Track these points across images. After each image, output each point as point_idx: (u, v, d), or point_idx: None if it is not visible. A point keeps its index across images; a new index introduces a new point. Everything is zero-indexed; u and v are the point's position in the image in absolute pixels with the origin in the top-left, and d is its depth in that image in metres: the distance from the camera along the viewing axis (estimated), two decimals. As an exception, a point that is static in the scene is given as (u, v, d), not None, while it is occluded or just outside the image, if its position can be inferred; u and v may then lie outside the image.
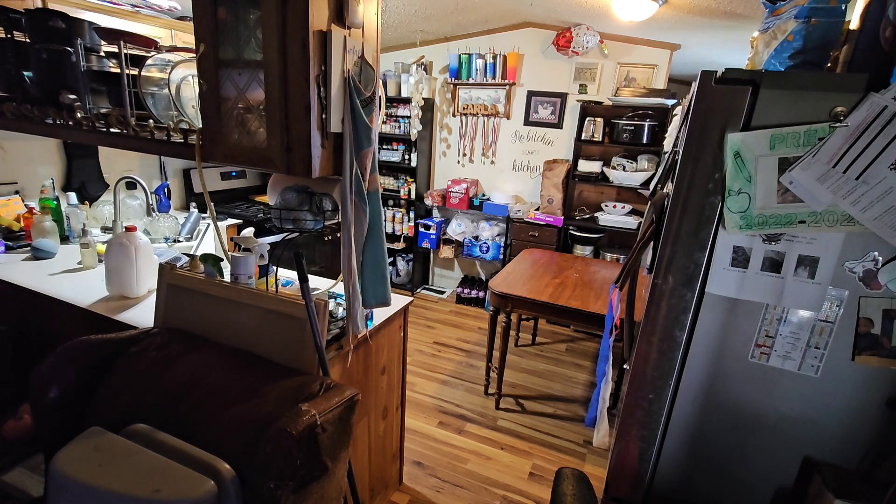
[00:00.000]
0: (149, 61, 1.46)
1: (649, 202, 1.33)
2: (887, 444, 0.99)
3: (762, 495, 1.11)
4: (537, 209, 3.84)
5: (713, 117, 0.95)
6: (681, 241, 1.03)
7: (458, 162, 4.35)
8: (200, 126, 1.30)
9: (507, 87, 3.92)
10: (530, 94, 3.89)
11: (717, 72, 0.94)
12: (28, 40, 1.62)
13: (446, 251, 4.27)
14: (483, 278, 4.52)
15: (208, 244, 2.26)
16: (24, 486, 1.60)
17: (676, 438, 1.16)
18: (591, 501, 1.13)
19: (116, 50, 1.44)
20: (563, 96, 3.80)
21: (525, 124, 3.99)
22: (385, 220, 4.07)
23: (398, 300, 1.76)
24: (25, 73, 1.68)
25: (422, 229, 4.28)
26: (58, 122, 1.63)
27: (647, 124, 3.35)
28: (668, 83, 3.60)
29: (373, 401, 1.77)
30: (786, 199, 0.94)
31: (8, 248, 2.16)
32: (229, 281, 1.43)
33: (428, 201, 4.26)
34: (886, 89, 0.84)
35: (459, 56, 3.97)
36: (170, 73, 1.41)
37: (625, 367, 1.27)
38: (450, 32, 3.94)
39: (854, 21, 1.02)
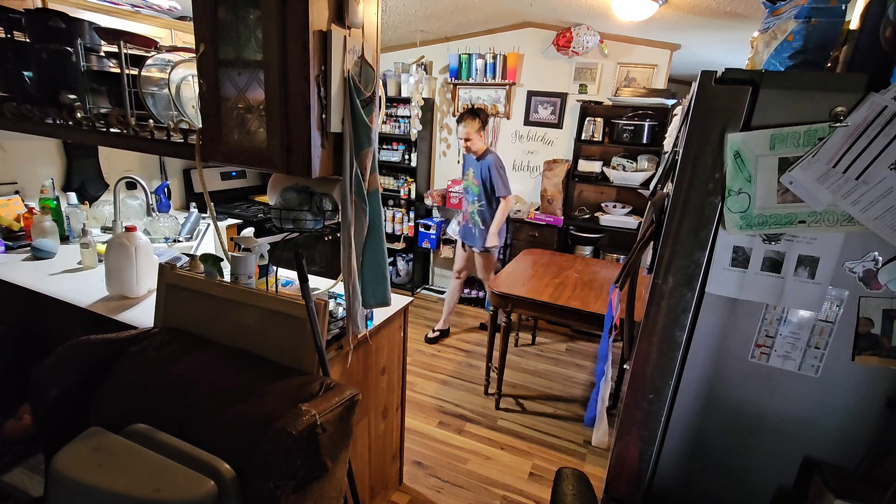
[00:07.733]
0: (149, 61, 1.46)
1: (649, 202, 1.32)
2: (887, 444, 0.99)
3: (762, 495, 1.11)
4: (537, 209, 3.84)
5: (713, 117, 0.95)
6: (681, 241, 1.03)
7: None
8: (200, 126, 1.30)
9: (507, 87, 3.92)
10: (530, 94, 3.89)
11: (717, 72, 0.94)
12: (28, 40, 1.62)
13: (446, 251, 4.27)
14: (483, 278, 4.52)
15: (208, 244, 2.26)
16: (24, 486, 1.60)
17: (676, 438, 1.16)
18: (591, 501, 1.13)
19: (116, 50, 1.45)
20: (563, 96, 3.80)
21: (525, 124, 3.98)
22: (385, 220, 4.06)
23: (398, 300, 1.76)
24: (25, 73, 1.68)
25: (422, 229, 4.27)
26: (58, 122, 1.63)
27: (647, 124, 3.35)
28: (668, 83, 3.60)
29: (373, 401, 1.77)
30: (786, 199, 0.94)
31: (8, 248, 2.16)
32: (229, 281, 1.43)
33: (428, 201, 4.26)
34: (886, 89, 0.84)
35: (459, 56, 3.97)
36: (170, 73, 1.41)
37: (625, 367, 1.27)
38: (450, 32, 3.94)
39: (854, 21, 1.02)
